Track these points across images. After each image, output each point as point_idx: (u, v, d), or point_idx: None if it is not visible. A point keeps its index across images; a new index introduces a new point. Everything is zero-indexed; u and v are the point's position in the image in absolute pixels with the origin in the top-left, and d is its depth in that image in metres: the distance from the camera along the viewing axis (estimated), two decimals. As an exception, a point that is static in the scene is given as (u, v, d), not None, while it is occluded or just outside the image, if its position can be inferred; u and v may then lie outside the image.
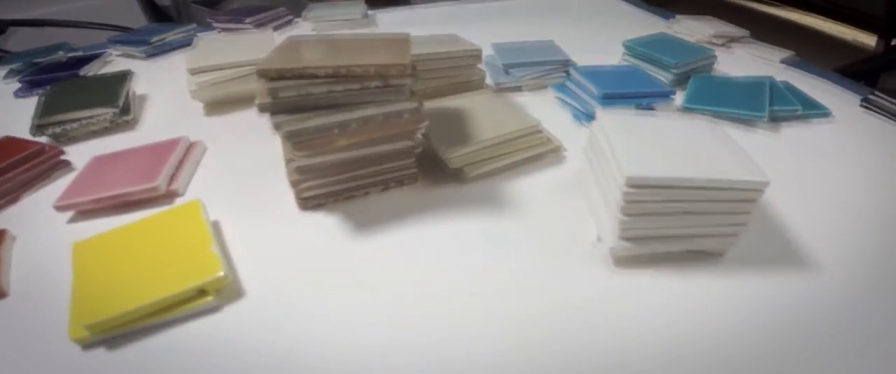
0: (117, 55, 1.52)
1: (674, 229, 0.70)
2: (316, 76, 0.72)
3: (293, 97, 0.73)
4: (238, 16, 1.55)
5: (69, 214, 0.90)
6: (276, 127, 0.74)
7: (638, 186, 0.64)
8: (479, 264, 0.76)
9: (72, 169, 1.05)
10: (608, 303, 0.68)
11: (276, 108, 0.74)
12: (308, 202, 0.86)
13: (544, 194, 0.88)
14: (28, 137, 1.09)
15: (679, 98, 1.13)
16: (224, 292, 0.71)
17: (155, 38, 1.49)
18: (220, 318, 0.69)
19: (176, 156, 0.96)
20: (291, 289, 0.72)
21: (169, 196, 0.91)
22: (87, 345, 0.65)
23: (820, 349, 0.61)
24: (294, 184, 0.83)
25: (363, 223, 0.83)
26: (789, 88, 1.17)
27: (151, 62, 1.49)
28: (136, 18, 2.23)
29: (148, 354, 0.64)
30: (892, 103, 1.10)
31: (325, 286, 0.73)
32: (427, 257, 0.77)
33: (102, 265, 0.72)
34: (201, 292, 0.68)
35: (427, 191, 0.89)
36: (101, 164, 0.97)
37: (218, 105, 1.21)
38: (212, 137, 1.09)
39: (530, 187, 0.90)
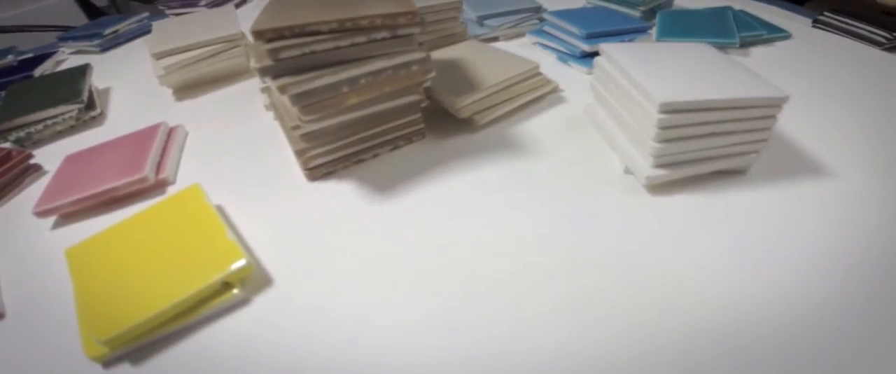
0: (70, 53, 1.31)
1: (704, 151, 0.63)
2: (319, 32, 0.59)
3: (296, 57, 0.59)
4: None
5: (51, 219, 0.74)
6: (282, 90, 0.60)
7: (672, 111, 0.58)
8: (509, 209, 0.65)
9: (44, 172, 0.87)
10: (649, 229, 0.61)
11: (279, 70, 0.60)
12: (316, 172, 0.72)
13: (555, 134, 0.77)
14: (-14, 145, 0.91)
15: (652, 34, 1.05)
16: (250, 281, 0.58)
17: (108, 31, 1.28)
18: (252, 311, 0.56)
19: (158, 143, 0.80)
20: (319, 267, 0.60)
21: (159, 186, 0.76)
22: (109, 362, 0.51)
23: (839, 238, 0.58)
24: (300, 154, 0.69)
25: (379, 186, 0.71)
26: (747, 14, 1.13)
27: (107, 55, 1.29)
28: (77, 20, 1.98)
29: (180, 363, 0.51)
30: (842, 21, 1.08)
31: (354, 258, 0.61)
32: (454, 212, 0.66)
33: (105, 270, 0.58)
34: (225, 285, 0.55)
35: (438, 145, 0.77)
36: (76, 162, 0.81)
37: (188, 89, 1.04)
38: (189, 121, 0.92)
39: (539, 128, 0.79)
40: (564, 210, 0.64)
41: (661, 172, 0.63)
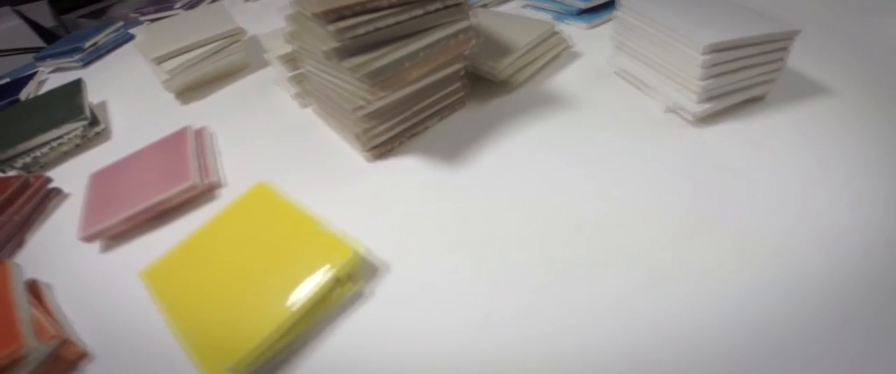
0: (49, 72, 1.12)
1: (736, 83, 0.61)
2: (378, 9, 0.51)
3: (362, 36, 0.50)
4: (166, 3, 1.20)
5: (96, 243, 0.62)
6: (354, 71, 0.51)
7: (713, 51, 0.57)
8: (575, 158, 0.60)
9: (66, 195, 0.75)
10: (703, 156, 0.58)
11: (348, 50, 0.51)
12: (377, 151, 0.64)
13: (584, 87, 0.72)
14: (-8, 176, 0.77)
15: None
16: (361, 273, 0.50)
17: (87, 44, 1.10)
18: (374, 303, 0.48)
19: (191, 148, 0.69)
20: (416, 244, 0.53)
21: (209, 190, 0.65)
22: (239, 386, 0.42)
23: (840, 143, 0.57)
24: (362, 134, 0.61)
25: (440, 156, 0.63)
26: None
27: (91, 69, 1.11)
28: (31, 43, 1.73)
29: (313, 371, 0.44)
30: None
31: (444, 229, 0.54)
32: (522, 171, 0.59)
33: (196, 288, 0.48)
34: (338, 282, 0.47)
35: (480, 110, 0.70)
36: (106, 180, 0.69)
37: (191, 91, 0.91)
38: (207, 122, 0.80)
39: (567, 83, 0.73)
40: (627, 160, 0.59)
41: (705, 106, 0.61)
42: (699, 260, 0.46)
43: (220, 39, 0.87)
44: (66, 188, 0.76)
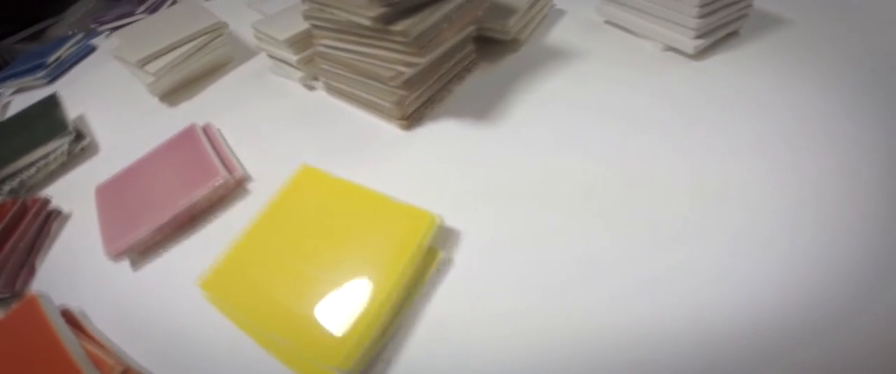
0: (11, 94, 0.92)
1: (722, 18, 0.60)
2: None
3: (401, 1, 0.44)
4: (125, 9, 1.00)
5: (123, 260, 0.52)
6: (403, 35, 0.45)
7: None
8: (595, 104, 0.56)
9: (68, 216, 0.62)
10: (714, 84, 0.56)
11: (390, 17, 0.44)
12: (412, 119, 0.56)
13: (581, 38, 0.67)
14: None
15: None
16: (442, 242, 0.44)
17: (50, 59, 0.92)
18: (461, 269, 0.42)
19: (206, 144, 0.59)
20: (477, 204, 0.47)
21: (239, 185, 0.56)
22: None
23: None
24: (398, 103, 0.53)
25: (473, 117, 0.57)
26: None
27: (58, 84, 0.92)
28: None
29: (426, 352, 0.38)
30: None
31: (501, 184, 0.49)
32: (552, 121, 0.55)
33: (272, 289, 0.40)
34: (427, 253, 0.41)
35: (493, 70, 0.64)
36: (116, 192, 0.57)
37: (175, 92, 0.77)
38: (205, 120, 0.68)
39: (564, 37, 0.68)
40: (646, 100, 0.55)
41: (700, 42, 0.59)
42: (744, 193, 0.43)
43: (203, 35, 0.75)
44: (64, 208, 0.64)
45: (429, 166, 0.52)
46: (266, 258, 0.42)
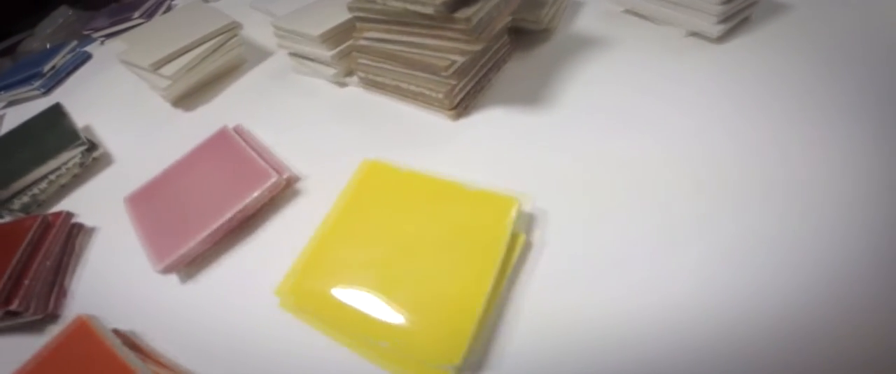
0: (3, 107, 0.82)
1: (738, 6, 0.58)
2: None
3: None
4: (121, 14, 0.91)
5: (173, 273, 0.46)
6: (467, 21, 0.41)
7: None
8: (638, 85, 0.53)
9: (92, 230, 0.55)
10: (737, 67, 0.54)
11: (453, 4, 0.40)
12: (461, 108, 0.52)
13: (604, 28, 0.64)
14: (-9, 225, 0.54)
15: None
16: (524, 225, 0.40)
17: (46, 68, 0.82)
18: (544, 251, 0.39)
19: (244, 146, 0.52)
20: (552, 188, 0.43)
21: (289, 186, 0.50)
22: None
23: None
24: (449, 93, 0.49)
25: (519, 103, 0.53)
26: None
27: (55, 95, 0.82)
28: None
29: (532, 339, 0.34)
30: None
31: (568, 168, 0.45)
32: (602, 99, 0.52)
33: (360, 290, 0.35)
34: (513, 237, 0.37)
35: (528, 58, 0.60)
36: (150, 202, 0.50)
37: (189, 97, 0.70)
38: (230, 122, 0.60)
39: (587, 27, 0.65)
40: (680, 83, 0.53)
41: (721, 26, 0.57)
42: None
43: (218, 36, 0.68)
44: (93, 222, 0.56)
45: (484, 154, 0.49)
46: (348, 259, 0.37)
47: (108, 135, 0.69)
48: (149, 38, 0.69)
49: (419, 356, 0.32)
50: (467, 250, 0.35)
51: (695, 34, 0.60)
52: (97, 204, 0.58)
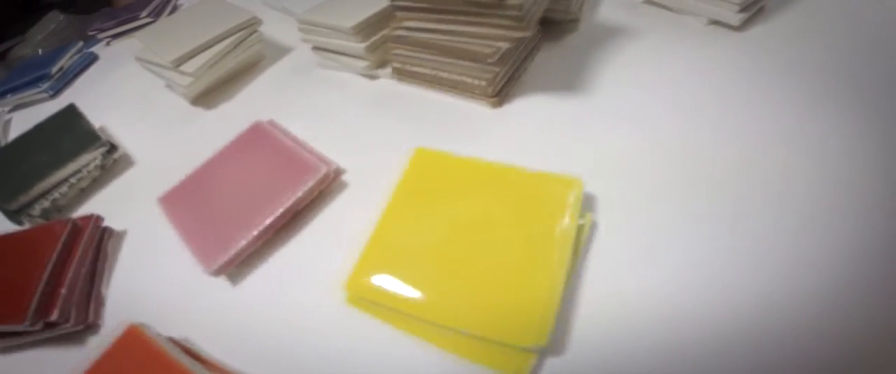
0: (11, 110, 0.75)
1: None
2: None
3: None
4: (129, 14, 0.83)
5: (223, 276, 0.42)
6: (519, 7, 0.39)
7: None
8: (671, 72, 0.52)
9: (122, 234, 0.50)
10: (761, 54, 0.52)
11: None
12: (500, 97, 0.50)
13: (625, 18, 0.62)
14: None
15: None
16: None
17: (54, 69, 0.75)
18: (608, 231, 0.37)
19: (284, 139, 0.48)
20: (605, 172, 0.41)
21: (336, 178, 0.47)
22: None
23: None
24: (491, 81, 0.47)
25: (560, 89, 0.51)
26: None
27: (63, 98, 0.75)
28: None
29: (604, 313, 0.32)
30: None
31: (619, 151, 0.43)
32: (638, 86, 0.50)
33: (435, 281, 0.33)
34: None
35: (559, 47, 0.58)
36: (189, 201, 0.46)
37: (207, 95, 0.65)
38: (260, 118, 0.55)
39: (609, 18, 0.63)
40: (709, 70, 0.51)
41: (742, 14, 0.56)
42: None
43: (238, 31, 0.64)
44: (122, 225, 0.51)
45: (527, 139, 0.47)
46: (414, 249, 0.35)
47: (125, 136, 0.64)
48: (165, 35, 0.65)
49: (504, 339, 0.29)
50: (537, 232, 0.33)
51: (715, 22, 0.59)
52: (122, 207, 0.54)
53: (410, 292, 0.33)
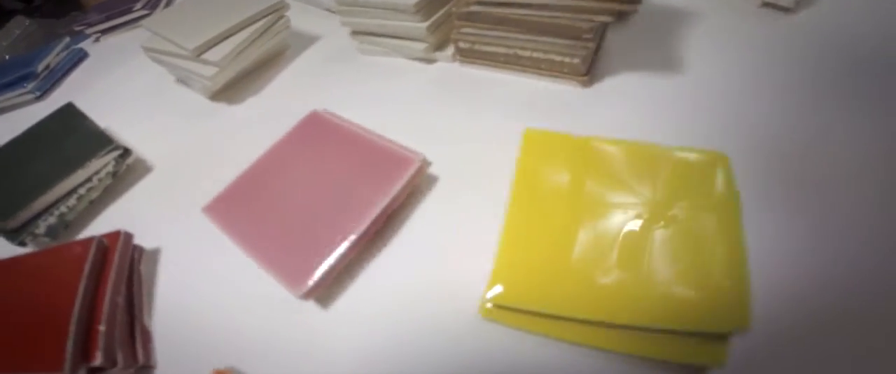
0: None
1: None
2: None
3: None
4: (121, 7, 0.67)
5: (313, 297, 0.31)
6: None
7: None
8: (743, 50, 0.46)
9: (155, 253, 0.39)
10: (817, 35, 0.47)
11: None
12: (591, 74, 0.42)
13: (684, 5, 0.56)
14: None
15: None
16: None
17: (40, 67, 0.59)
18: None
19: (359, 130, 0.39)
20: (729, 147, 0.32)
21: (423, 171, 0.36)
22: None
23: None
24: (586, 57, 0.40)
25: (644, 68, 0.44)
26: None
27: (51, 99, 0.60)
28: None
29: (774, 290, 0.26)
30: None
31: (728, 126, 0.37)
32: (717, 63, 0.44)
33: (602, 278, 0.25)
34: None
35: (625, 26, 0.51)
36: (246, 211, 0.35)
37: (226, 88, 0.53)
38: (300, 111, 0.44)
39: (663, 8, 0.56)
40: (772, 49, 0.46)
41: None
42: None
43: (264, 17, 0.52)
44: (152, 243, 0.40)
45: (635, 116, 0.40)
46: (556, 243, 0.28)
47: (133, 138, 0.52)
48: (181, 22, 0.52)
49: (702, 327, 0.23)
50: (696, 210, 0.26)
51: (768, 5, 0.54)
52: (145, 220, 0.42)
53: (567, 292, 0.25)
